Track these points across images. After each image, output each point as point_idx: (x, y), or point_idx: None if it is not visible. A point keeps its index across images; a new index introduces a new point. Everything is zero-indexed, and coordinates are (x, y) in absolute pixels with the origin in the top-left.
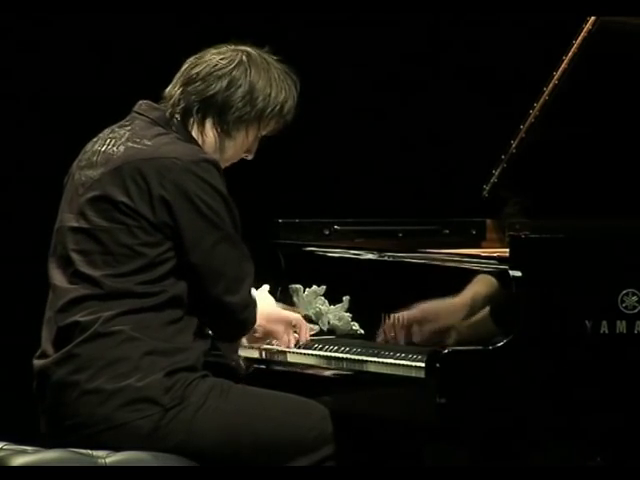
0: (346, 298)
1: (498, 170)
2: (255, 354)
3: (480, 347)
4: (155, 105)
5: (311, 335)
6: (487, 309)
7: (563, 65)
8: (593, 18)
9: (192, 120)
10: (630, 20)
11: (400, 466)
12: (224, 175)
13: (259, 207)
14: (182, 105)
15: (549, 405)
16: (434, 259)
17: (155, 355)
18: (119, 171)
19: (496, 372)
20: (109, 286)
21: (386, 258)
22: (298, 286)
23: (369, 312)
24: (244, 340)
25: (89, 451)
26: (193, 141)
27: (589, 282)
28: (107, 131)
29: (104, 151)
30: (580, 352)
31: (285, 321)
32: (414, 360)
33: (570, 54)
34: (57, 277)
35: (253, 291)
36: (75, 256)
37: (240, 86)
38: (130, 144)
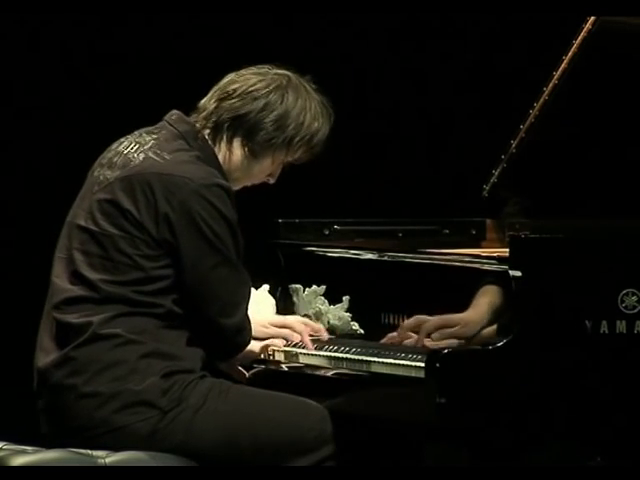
0: (346, 298)
1: (498, 170)
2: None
3: (480, 347)
4: (185, 118)
5: (311, 335)
6: (496, 318)
7: (563, 65)
8: (593, 18)
9: (221, 136)
10: (630, 20)
11: (400, 466)
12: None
13: (259, 207)
14: (213, 119)
15: (549, 405)
16: (434, 259)
17: (152, 358)
18: (131, 180)
19: (496, 372)
20: (105, 291)
21: (386, 258)
22: (298, 286)
23: (369, 312)
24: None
25: (89, 451)
26: (214, 160)
27: (589, 282)
28: (136, 134)
29: (126, 154)
30: (580, 352)
31: (289, 327)
32: (414, 360)
33: (570, 54)
34: (58, 272)
35: (253, 291)
36: (78, 255)
37: (274, 110)
38: (150, 154)
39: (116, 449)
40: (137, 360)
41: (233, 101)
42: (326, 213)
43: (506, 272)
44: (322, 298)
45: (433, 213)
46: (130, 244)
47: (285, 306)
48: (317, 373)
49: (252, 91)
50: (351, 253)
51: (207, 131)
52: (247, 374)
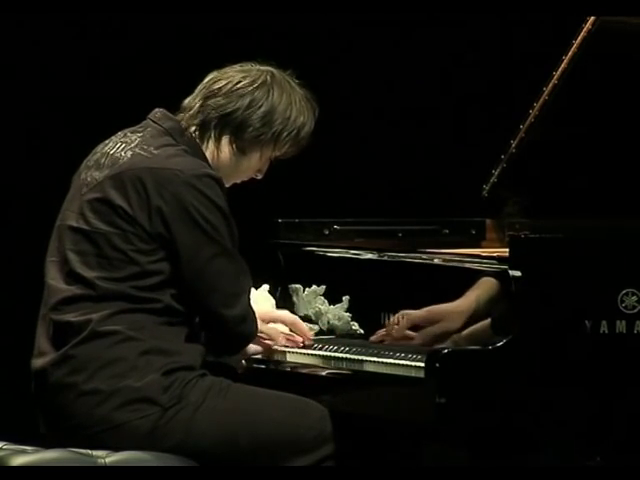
0: (346, 298)
1: (498, 170)
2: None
3: (480, 347)
4: (170, 115)
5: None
6: (487, 310)
7: (563, 65)
8: (593, 18)
9: (208, 134)
10: (630, 20)
11: (400, 466)
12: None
13: (259, 207)
14: (200, 118)
15: (549, 405)
16: (434, 259)
17: (152, 354)
18: (121, 176)
19: (496, 372)
20: (102, 288)
21: (386, 258)
22: (298, 286)
23: (369, 312)
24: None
25: (89, 451)
26: (201, 155)
27: (589, 282)
28: (120, 134)
29: (112, 154)
30: (580, 352)
31: (279, 321)
32: (414, 360)
33: (570, 54)
34: (52, 275)
35: (252, 291)
36: (72, 256)
37: (261, 106)
38: (138, 150)
39: (116, 447)
40: (137, 357)
41: (218, 99)
42: (326, 213)
43: (506, 272)
44: (322, 298)
45: (433, 213)
46: (124, 240)
47: (285, 306)
48: (317, 373)
49: (237, 89)
50: (351, 253)
51: (193, 129)
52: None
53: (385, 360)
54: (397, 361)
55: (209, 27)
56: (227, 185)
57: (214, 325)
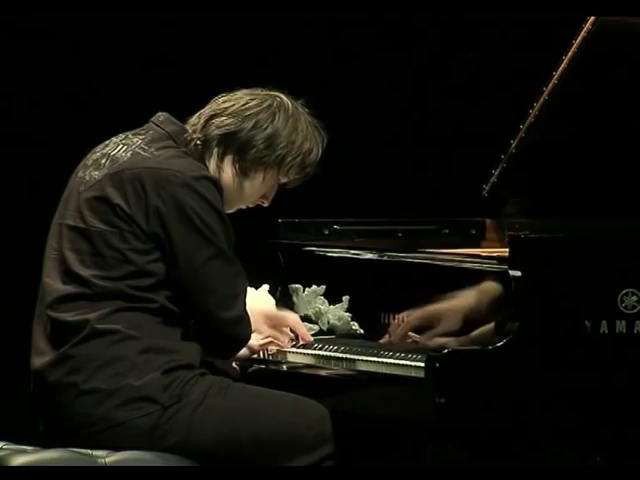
0: (346, 298)
1: (498, 170)
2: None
3: (480, 347)
4: (173, 119)
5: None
6: (487, 309)
7: (563, 65)
8: (593, 18)
9: (210, 152)
10: (630, 20)
11: (400, 466)
12: None
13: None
14: (203, 134)
15: (549, 405)
16: (434, 259)
17: (151, 353)
18: (121, 175)
19: (496, 372)
20: (99, 286)
21: (386, 258)
22: (298, 286)
23: (369, 312)
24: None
25: (89, 451)
26: (202, 160)
27: (589, 282)
28: (121, 136)
29: (113, 155)
30: (580, 352)
31: (281, 322)
32: (414, 360)
33: (570, 54)
34: (48, 272)
35: (253, 290)
36: (69, 254)
37: (265, 128)
38: (138, 150)
39: (116, 447)
40: (136, 356)
41: (223, 119)
42: (326, 213)
43: (506, 272)
44: (322, 298)
45: (433, 213)
46: (120, 239)
47: (285, 306)
48: (317, 373)
49: (242, 110)
50: (351, 253)
51: (197, 143)
52: (238, 370)
53: (385, 360)
54: (397, 361)
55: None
56: (231, 210)
57: (210, 327)
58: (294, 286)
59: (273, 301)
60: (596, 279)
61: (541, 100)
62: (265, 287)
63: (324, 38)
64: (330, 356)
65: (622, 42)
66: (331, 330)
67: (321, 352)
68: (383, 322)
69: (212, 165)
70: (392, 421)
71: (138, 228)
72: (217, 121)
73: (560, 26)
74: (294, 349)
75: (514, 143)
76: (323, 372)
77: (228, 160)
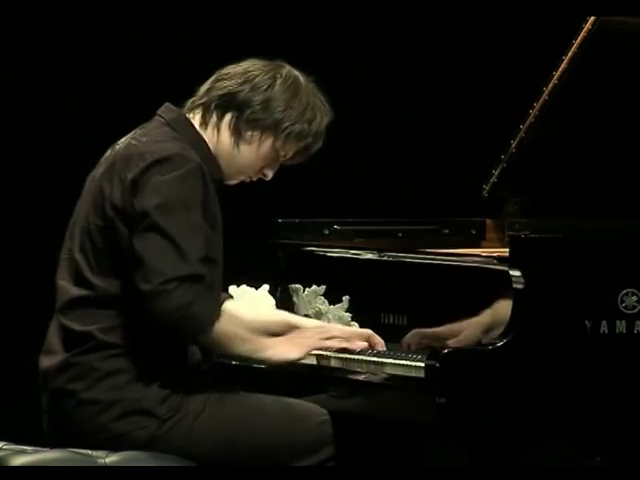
0: (346, 298)
1: (498, 170)
2: None
3: (480, 347)
4: (173, 107)
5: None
6: (487, 310)
7: (563, 65)
8: (593, 18)
9: (209, 115)
10: (630, 20)
11: (400, 466)
12: None
13: (259, 207)
14: (204, 100)
15: (549, 405)
16: (434, 259)
17: (153, 366)
18: (113, 167)
19: (496, 372)
20: (102, 289)
21: (386, 258)
22: (298, 286)
23: (369, 312)
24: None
25: (89, 451)
26: (201, 144)
27: (589, 282)
28: (132, 132)
29: (116, 149)
30: (580, 352)
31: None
32: (414, 360)
33: (570, 54)
34: (61, 275)
35: (253, 290)
36: (78, 256)
37: (264, 90)
38: (131, 141)
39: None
40: (138, 369)
41: (225, 82)
42: (326, 213)
43: (506, 272)
44: (322, 298)
45: (433, 213)
46: (114, 233)
47: (285, 306)
48: (317, 373)
49: (243, 74)
50: (351, 253)
51: (197, 111)
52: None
53: (385, 360)
54: (397, 361)
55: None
56: (233, 181)
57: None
58: (294, 286)
59: (273, 301)
60: (596, 279)
61: (541, 100)
62: (265, 287)
63: (325, 38)
64: (330, 356)
65: (622, 42)
66: None
67: (321, 352)
68: (383, 322)
69: (209, 130)
70: (392, 421)
71: (120, 214)
72: (219, 84)
73: (560, 26)
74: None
75: (514, 143)
76: (323, 372)
77: (225, 121)
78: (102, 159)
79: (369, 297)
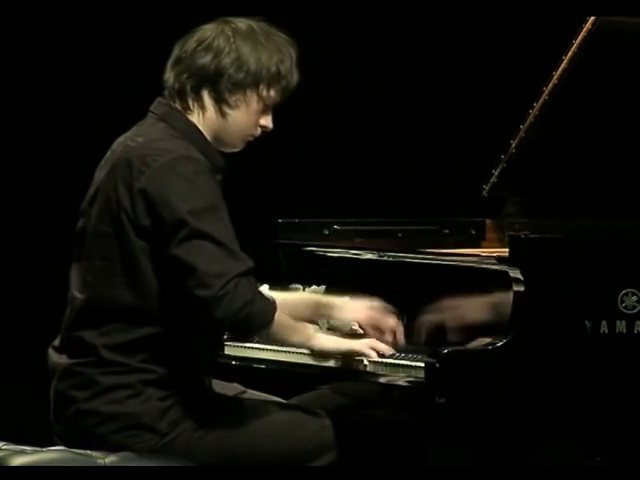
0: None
1: (498, 170)
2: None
3: (480, 347)
4: (163, 101)
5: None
6: (487, 310)
7: (563, 65)
8: (593, 18)
9: (190, 98)
10: (630, 20)
11: (400, 466)
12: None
13: (259, 207)
14: (177, 87)
15: (549, 405)
16: (434, 259)
17: (154, 382)
18: (114, 170)
19: (496, 372)
20: (111, 300)
21: (386, 258)
22: (298, 286)
23: None
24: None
25: (88, 451)
26: (195, 133)
27: (589, 282)
28: (130, 130)
29: (114, 149)
30: (580, 352)
31: (383, 323)
32: (414, 360)
33: (570, 54)
34: (72, 279)
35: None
36: (84, 262)
37: (228, 53)
38: (128, 142)
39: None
40: (137, 385)
41: (186, 61)
42: (326, 213)
43: (506, 272)
44: None
45: (433, 213)
46: (116, 237)
47: None
48: (317, 373)
49: (198, 46)
50: (351, 253)
51: (177, 99)
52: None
53: (385, 360)
54: (397, 361)
55: None
56: (240, 147)
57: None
58: (294, 286)
59: None
60: (596, 279)
61: (541, 100)
62: (265, 287)
63: (325, 37)
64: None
65: (622, 42)
66: (331, 330)
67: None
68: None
69: (195, 111)
70: (392, 421)
71: (128, 219)
72: (181, 67)
73: (560, 26)
74: (292, 349)
75: (514, 143)
76: (322, 372)
77: (205, 97)
78: (102, 161)
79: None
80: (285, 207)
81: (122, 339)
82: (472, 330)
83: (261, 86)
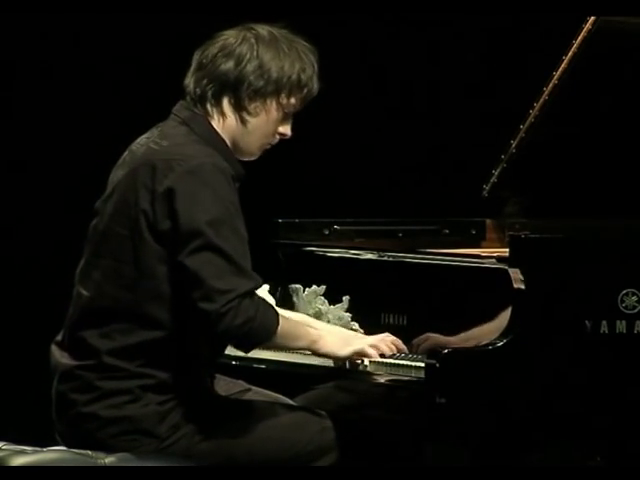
0: (346, 298)
1: (498, 170)
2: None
3: (480, 347)
4: (185, 104)
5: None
6: (487, 310)
7: (563, 65)
8: (593, 18)
9: (210, 104)
10: (630, 20)
11: (400, 466)
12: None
13: (259, 207)
14: (198, 92)
15: (549, 405)
16: (434, 259)
17: (153, 387)
18: (135, 173)
19: (496, 372)
20: (119, 302)
21: (386, 258)
22: (298, 286)
23: (369, 312)
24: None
25: (88, 451)
26: (217, 139)
27: (589, 282)
28: (149, 131)
29: (134, 150)
30: (580, 352)
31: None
32: (414, 360)
33: (570, 54)
34: (79, 277)
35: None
36: (93, 261)
37: (249, 60)
38: (151, 145)
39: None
40: (136, 391)
41: (208, 67)
42: (326, 213)
43: (506, 272)
44: (322, 298)
45: (433, 213)
46: (131, 241)
47: (285, 306)
48: (317, 373)
49: (220, 52)
50: (351, 253)
51: (198, 106)
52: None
53: (385, 360)
54: (397, 361)
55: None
56: (254, 156)
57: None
58: (294, 286)
59: (273, 301)
60: (596, 279)
61: (541, 100)
62: (265, 287)
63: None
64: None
65: (622, 42)
66: None
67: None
68: (383, 322)
69: (216, 117)
70: (392, 421)
71: (147, 223)
72: (202, 73)
73: (560, 26)
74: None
75: (514, 143)
76: (323, 372)
77: (225, 103)
78: (120, 161)
79: (369, 297)
80: (285, 207)
81: (124, 342)
82: (472, 330)
83: (282, 94)
